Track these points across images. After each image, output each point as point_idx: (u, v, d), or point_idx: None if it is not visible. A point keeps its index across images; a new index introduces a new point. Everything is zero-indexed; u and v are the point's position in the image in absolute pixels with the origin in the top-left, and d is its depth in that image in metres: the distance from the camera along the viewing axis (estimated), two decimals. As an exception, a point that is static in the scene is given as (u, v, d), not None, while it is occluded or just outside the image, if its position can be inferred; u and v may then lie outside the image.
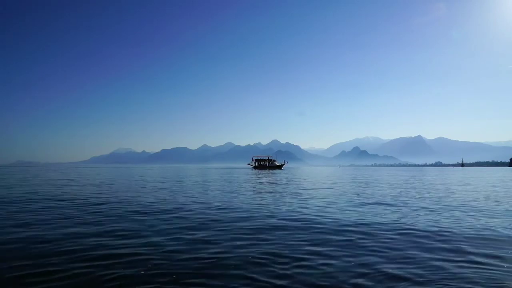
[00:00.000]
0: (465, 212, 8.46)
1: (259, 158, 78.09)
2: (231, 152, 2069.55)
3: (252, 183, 20.83)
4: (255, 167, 75.88)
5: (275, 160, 76.89)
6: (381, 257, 4.38)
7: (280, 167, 76.75)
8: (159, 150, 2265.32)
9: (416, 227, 6.25)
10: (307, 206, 9.46)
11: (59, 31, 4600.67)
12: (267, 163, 75.60)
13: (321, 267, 3.97)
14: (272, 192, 14.31)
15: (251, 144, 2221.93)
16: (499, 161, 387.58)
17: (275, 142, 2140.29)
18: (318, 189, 15.91)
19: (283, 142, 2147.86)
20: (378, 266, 3.98)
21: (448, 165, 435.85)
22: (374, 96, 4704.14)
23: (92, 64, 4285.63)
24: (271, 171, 56.26)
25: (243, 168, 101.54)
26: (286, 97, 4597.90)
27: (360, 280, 3.56)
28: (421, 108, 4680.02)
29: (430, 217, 7.50)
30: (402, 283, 3.49)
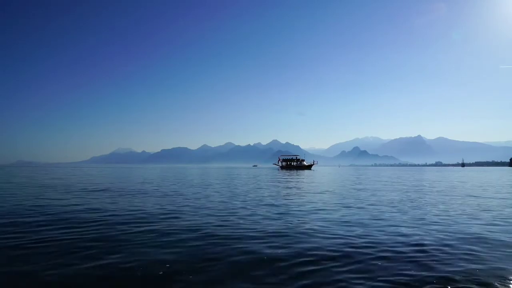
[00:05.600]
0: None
1: (286, 158, 75.77)
2: (231, 152, 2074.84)
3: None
4: (282, 167, 73.92)
5: (303, 160, 73.73)
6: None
7: (309, 167, 72.62)
8: (159, 150, 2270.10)
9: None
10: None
11: (59, 30, 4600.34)
12: (295, 163, 73.32)
13: None
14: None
15: (251, 144, 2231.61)
16: (499, 161, 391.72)
17: (275, 142, 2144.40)
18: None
19: (283, 142, 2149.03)
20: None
21: (448, 165, 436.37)
22: (374, 96, 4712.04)
23: (92, 64, 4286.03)
24: (299, 171, 53.74)
25: (248, 168, 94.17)
26: (286, 97, 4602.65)
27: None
28: (421, 108, 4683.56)
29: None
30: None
